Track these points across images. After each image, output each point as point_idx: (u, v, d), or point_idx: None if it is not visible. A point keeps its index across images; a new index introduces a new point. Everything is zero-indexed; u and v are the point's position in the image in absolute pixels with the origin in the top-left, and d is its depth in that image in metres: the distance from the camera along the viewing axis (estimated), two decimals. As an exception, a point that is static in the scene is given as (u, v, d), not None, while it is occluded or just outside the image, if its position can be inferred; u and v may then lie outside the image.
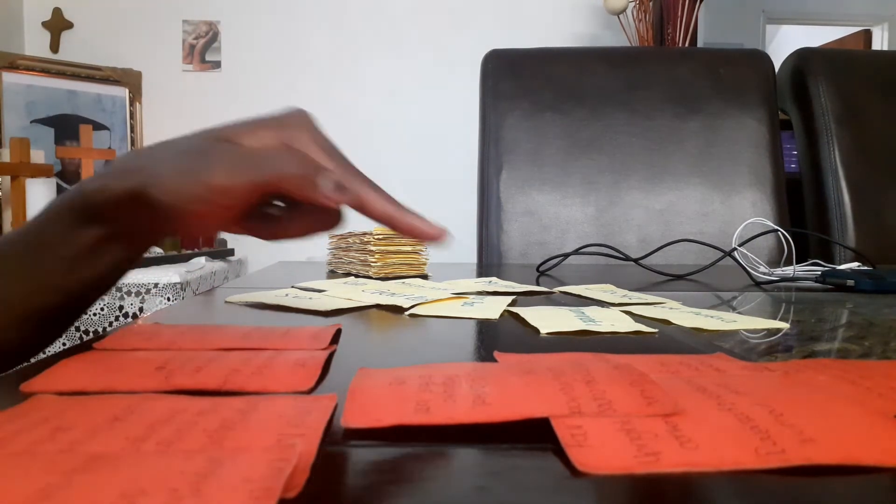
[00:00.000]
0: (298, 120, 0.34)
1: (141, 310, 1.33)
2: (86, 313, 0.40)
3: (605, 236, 1.20)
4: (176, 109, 2.06)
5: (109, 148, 1.95)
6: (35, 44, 2.03)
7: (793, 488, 0.17)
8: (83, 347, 0.32)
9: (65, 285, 0.35)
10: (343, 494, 0.17)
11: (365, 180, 0.33)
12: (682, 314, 0.46)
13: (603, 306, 0.51)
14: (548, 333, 0.39)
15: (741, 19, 2.31)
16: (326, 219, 0.34)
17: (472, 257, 1.29)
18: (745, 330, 0.41)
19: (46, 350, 0.39)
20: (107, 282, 0.37)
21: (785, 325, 0.43)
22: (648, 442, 0.19)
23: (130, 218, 0.33)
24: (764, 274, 0.76)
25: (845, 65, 1.37)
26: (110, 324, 1.32)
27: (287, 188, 0.30)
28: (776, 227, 0.81)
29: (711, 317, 0.45)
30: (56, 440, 0.19)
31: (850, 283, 0.65)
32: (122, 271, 0.37)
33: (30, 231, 0.35)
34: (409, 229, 0.32)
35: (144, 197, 0.31)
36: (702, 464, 0.18)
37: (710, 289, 0.68)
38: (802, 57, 1.40)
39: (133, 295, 1.32)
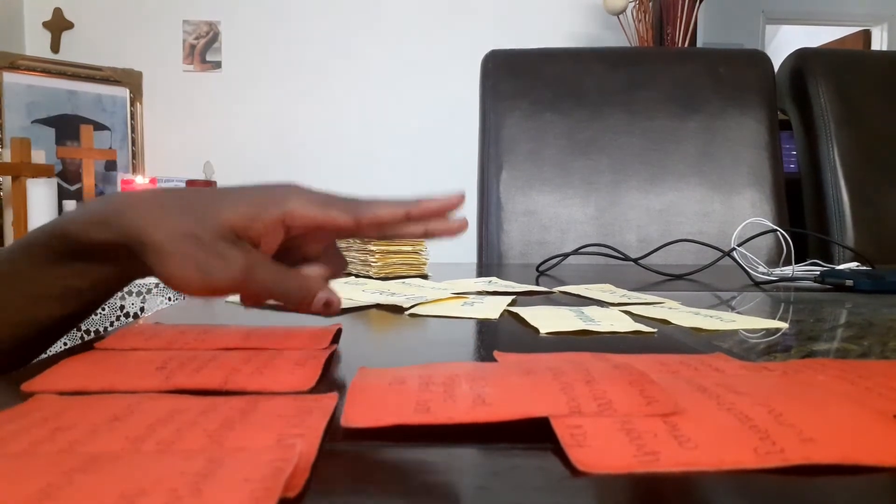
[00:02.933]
0: (287, 190, 0.33)
1: (142, 309, 1.33)
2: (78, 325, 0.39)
3: (604, 236, 1.20)
4: (176, 109, 2.06)
5: (110, 148, 1.95)
6: (35, 44, 2.03)
7: (792, 488, 0.17)
8: (84, 347, 0.32)
9: (35, 317, 0.34)
10: (343, 494, 0.17)
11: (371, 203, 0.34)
12: (682, 314, 0.46)
13: (602, 306, 0.51)
14: (547, 333, 0.39)
15: (741, 19, 2.31)
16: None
17: (472, 257, 1.29)
18: (744, 330, 0.41)
19: (47, 350, 0.39)
20: (86, 310, 0.36)
21: (784, 325, 0.43)
22: (648, 442, 0.19)
23: (109, 262, 0.33)
24: (763, 274, 0.76)
25: (845, 65, 1.37)
26: (111, 324, 1.32)
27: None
28: (775, 227, 0.81)
29: (711, 317, 0.45)
30: (56, 440, 0.19)
31: (849, 283, 0.65)
32: (103, 299, 0.36)
33: (4, 260, 0.34)
34: (430, 212, 0.33)
35: (134, 248, 0.30)
36: (701, 463, 0.18)
37: (709, 289, 0.68)
38: (802, 57, 1.40)
39: (134, 295, 1.32)
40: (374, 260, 0.74)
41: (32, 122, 1.87)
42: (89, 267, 0.33)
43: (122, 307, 1.32)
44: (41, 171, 1.63)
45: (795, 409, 0.21)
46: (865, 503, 0.17)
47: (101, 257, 0.32)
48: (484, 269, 0.94)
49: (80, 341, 0.36)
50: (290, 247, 0.35)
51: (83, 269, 0.33)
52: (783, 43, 2.76)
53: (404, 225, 0.34)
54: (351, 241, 0.80)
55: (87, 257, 0.32)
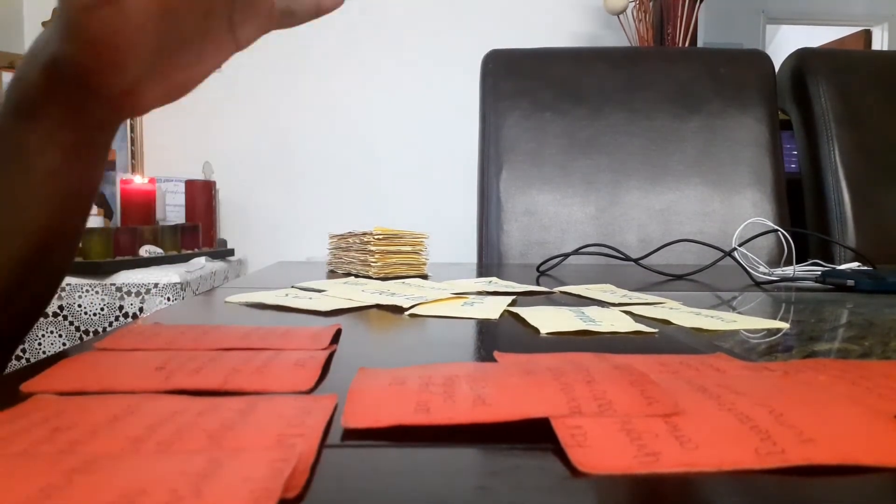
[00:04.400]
0: None
1: (141, 310, 1.33)
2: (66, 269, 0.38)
3: (605, 236, 1.20)
4: (175, 109, 2.06)
5: (109, 148, 1.95)
6: (35, 44, 2.03)
7: (793, 488, 0.17)
8: (83, 347, 0.32)
9: (49, 197, 0.33)
10: (343, 494, 0.17)
11: None
12: (682, 314, 0.46)
13: (603, 306, 0.51)
14: (548, 333, 0.39)
15: (741, 19, 2.31)
16: None
17: (472, 257, 1.29)
18: (745, 330, 0.41)
19: (46, 350, 0.39)
20: (86, 187, 0.35)
21: (785, 325, 0.43)
22: (648, 442, 0.19)
23: (65, 96, 0.31)
24: (764, 274, 0.76)
25: (845, 65, 1.38)
26: (110, 324, 1.32)
27: None
28: (776, 227, 0.81)
29: (711, 317, 0.45)
30: (56, 440, 0.19)
31: (850, 283, 0.65)
32: (94, 176, 0.36)
33: None
34: None
35: (58, 65, 0.30)
36: (702, 464, 0.18)
37: (710, 289, 0.68)
38: (802, 57, 1.40)
39: (133, 295, 1.32)
40: (373, 260, 0.74)
41: (32, 121, 1.87)
42: (56, 112, 0.32)
43: (120, 307, 1.32)
44: (41, 171, 1.63)
45: (796, 410, 0.21)
46: (865, 503, 0.17)
47: (50, 95, 0.31)
48: (484, 269, 0.94)
49: (79, 341, 0.36)
50: None
51: (54, 116, 0.32)
52: (783, 43, 2.76)
53: None
54: (350, 240, 0.80)
55: (42, 102, 0.31)
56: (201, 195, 1.78)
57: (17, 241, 0.33)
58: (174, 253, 1.54)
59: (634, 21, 1.87)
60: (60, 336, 1.27)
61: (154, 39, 0.30)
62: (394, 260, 0.76)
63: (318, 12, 0.38)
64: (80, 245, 1.30)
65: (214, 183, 1.86)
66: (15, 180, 0.33)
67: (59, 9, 0.28)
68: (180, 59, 0.33)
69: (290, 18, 0.37)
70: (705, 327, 0.41)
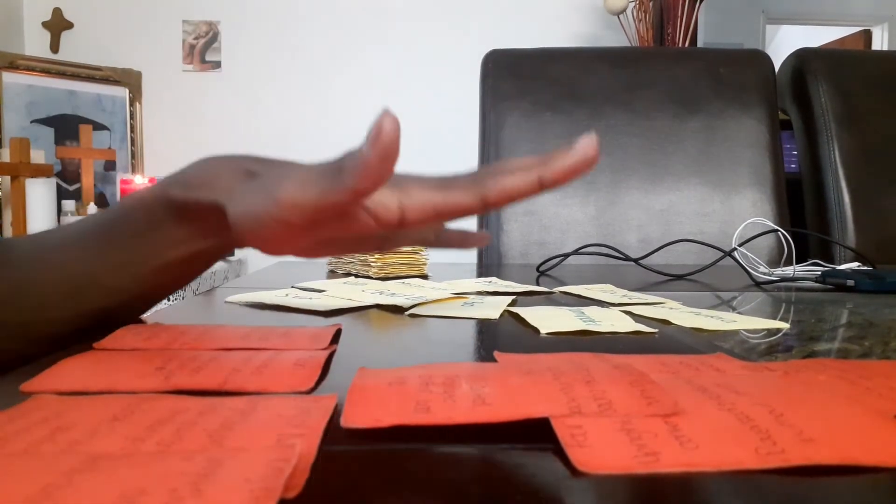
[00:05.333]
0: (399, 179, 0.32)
1: (141, 310, 1.33)
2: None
3: (605, 236, 1.20)
4: (176, 109, 2.06)
5: (109, 148, 1.95)
6: (35, 44, 2.03)
7: (793, 488, 0.17)
8: (83, 347, 0.32)
9: (155, 278, 0.36)
10: (343, 494, 0.17)
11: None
12: (682, 314, 0.46)
13: (603, 306, 0.51)
14: (548, 333, 0.39)
15: (741, 19, 2.31)
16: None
17: (472, 257, 1.29)
18: (745, 330, 0.41)
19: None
20: (186, 279, 0.38)
21: (785, 325, 0.43)
22: (648, 442, 0.19)
23: (211, 224, 0.34)
24: (764, 274, 0.76)
25: (845, 65, 1.37)
26: (110, 324, 1.32)
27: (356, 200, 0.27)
28: (776, 227, 0.81)
29: (711, 317, 0.45)
30: (56, 440, 0.19)
31: (850, 283, 0.65)
32: (196, 272, 0.38)
33: (116, 220, 0.35)
34: (565, 174, 0.29)
35: (222, 211, 0.31)
36: (702, 464, 0.18)
37: (710, 289, 0.68)
38: (802, 57, 1.40)
39: (133, 295, 1.32)
40: (373, 260, 0.74)
41: (32, 121, 1.87)
42: (188, 235, 0.34)
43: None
44: (40, 171, 1.63)
45: (796, 410, 0.21)
46: (865, 503, 0.17)
47: (199, 223, 0.34)
48: (484, 269, 0.94)
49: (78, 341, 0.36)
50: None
51: (183, 236, 0.35)
52: (783, 43, 2.77)
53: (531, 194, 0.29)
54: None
55: (186, 222, 0.34)
56: (201, 195, 1.77)
57: (105, 300, 0.36)
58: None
59: (634, 21, 1.87)
60: (60, 336, 1.27)
61: (309, 244, 0.33)
62: (394, 260, 0.76)
63: (463, 245, 0.40)
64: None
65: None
66: (139, 255, 0.35)
67: (253, 212, 0.29)
68: (325, 251, 0.36)
69: (435, 245, 0.39)
70: (705, 327, 0.41)
